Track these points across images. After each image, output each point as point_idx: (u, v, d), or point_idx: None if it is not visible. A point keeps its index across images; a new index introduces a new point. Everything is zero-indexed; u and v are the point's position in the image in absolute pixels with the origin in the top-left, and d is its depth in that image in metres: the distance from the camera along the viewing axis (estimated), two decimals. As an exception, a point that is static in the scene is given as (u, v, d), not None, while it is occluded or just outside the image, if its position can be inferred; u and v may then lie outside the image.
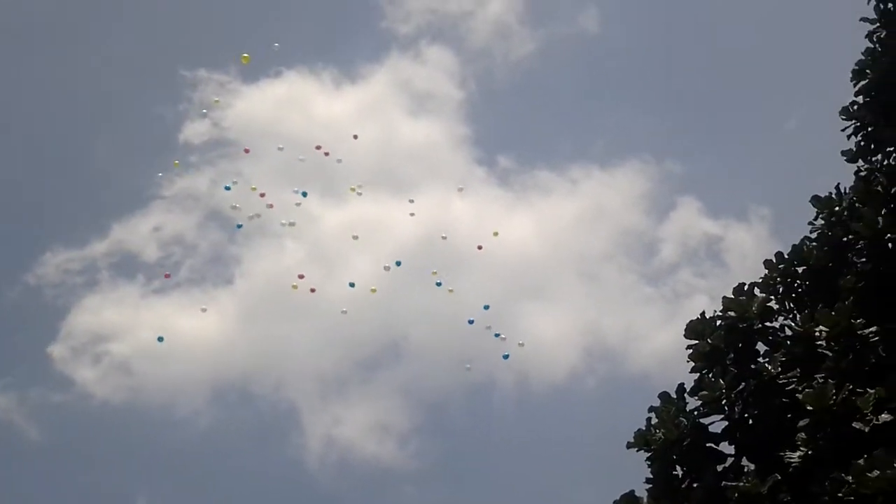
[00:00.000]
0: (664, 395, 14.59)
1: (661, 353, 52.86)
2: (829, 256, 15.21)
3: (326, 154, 38.33)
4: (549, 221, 61.39)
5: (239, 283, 55.37)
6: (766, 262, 15.56)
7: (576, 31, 68.26)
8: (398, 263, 38.19)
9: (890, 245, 14.61)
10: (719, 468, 13.92)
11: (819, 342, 13.73)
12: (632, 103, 68.80)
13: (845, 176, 16.05)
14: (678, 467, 14.29)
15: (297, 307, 46.78)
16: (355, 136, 41.58)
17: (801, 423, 13.03)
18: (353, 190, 39.54)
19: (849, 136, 16.28)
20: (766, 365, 13.97)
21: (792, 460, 12.92)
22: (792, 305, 15.35)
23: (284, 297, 46.04)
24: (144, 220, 57.19)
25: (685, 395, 14.54)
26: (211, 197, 50.93)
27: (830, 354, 13.55)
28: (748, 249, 58.67)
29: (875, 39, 16.21)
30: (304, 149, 40.55)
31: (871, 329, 13.56)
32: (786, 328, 14.66)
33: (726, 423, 14.15)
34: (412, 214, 40.42)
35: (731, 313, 14.71)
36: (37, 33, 63.59)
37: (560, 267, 59.43)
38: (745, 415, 14.04)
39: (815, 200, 15.70)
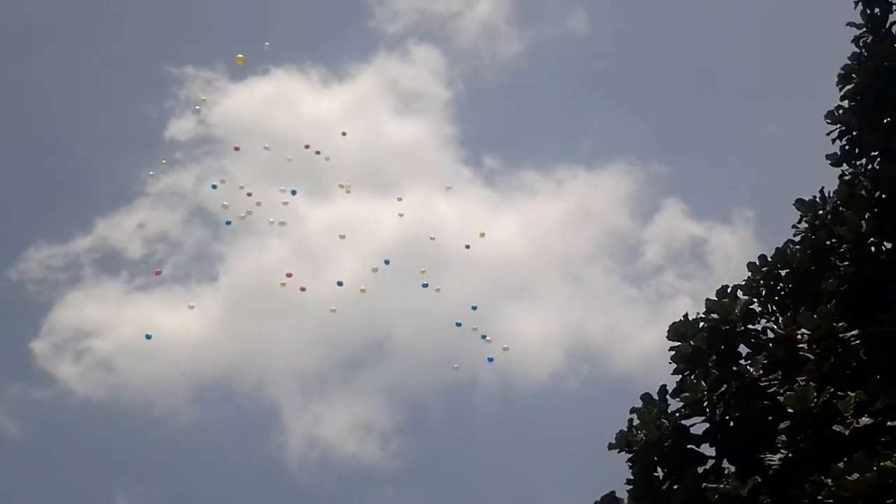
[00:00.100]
0: (646, 397, 14.62)
1: (644, 355, 52.90)
2: (811, 260, 15.25)
3: (317, 153, 38.27)
4: (534, 222, 61.44)
5: (223, 280, 55.25)
6: (750, 265, 15.60)
7: (563, 33, 68.26)
8: (387, 262, 38.15)
9: (873, 249, 14.66)
10: (700, 470, 13.96)
11: (801, 345, 13.76)
12: (618, 105, 68.97)
13: (830, 180, 16.13)
14: (659, 468, 14.33)
15: (281, 305, 46.71)
16: (343, 133, 41.60)
17: (782, 426, 13.06)
18: (341, 187, 39.49)
19: (833, 140, 16.33)
20: (748, 367, 14.00)
21: (772, 462, 12.95)
22: (774, 308, 15.40)
23: (268, 295, 46.02)
24: (129, 217, 57.02)
25: (667, 396, 14.58)
26: (196, 194, 50.90)
27: (812, 357, 13.58)
28: (732, 252, 58.79)
29: (861, 44, 16.25)
30: (291, 147, 40.49)
31: (852, 332, 13.59)
32: (768, 331, 14.71)
33: (707, 424, 14.18)
34: (401, 215, 40.40)
35: (714, 315, 14.75)
36: (23, 30, 63.40)
37: (544, 267, 59.46)
38: (727, 417, 14.08)
39: (799, 204, 15.74)
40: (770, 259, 15.53)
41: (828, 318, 13.62)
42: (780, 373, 13.76)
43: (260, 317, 51.73)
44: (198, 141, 50.46)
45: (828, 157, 16.32)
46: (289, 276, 37.21)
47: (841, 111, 16.24)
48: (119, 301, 55.81)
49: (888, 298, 13.78)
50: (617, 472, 14.57)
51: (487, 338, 36.69)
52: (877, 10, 16.27)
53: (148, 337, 39.09)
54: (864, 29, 16.28)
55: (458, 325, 36.76)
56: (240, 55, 37.79)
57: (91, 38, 66.11)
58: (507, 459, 52.07)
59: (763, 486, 12.94)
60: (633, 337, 58.72)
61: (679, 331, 14.85)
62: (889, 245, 14.66)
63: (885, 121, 15.79)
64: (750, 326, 14.84)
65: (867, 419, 12.56)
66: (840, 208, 15.33)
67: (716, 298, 14.86)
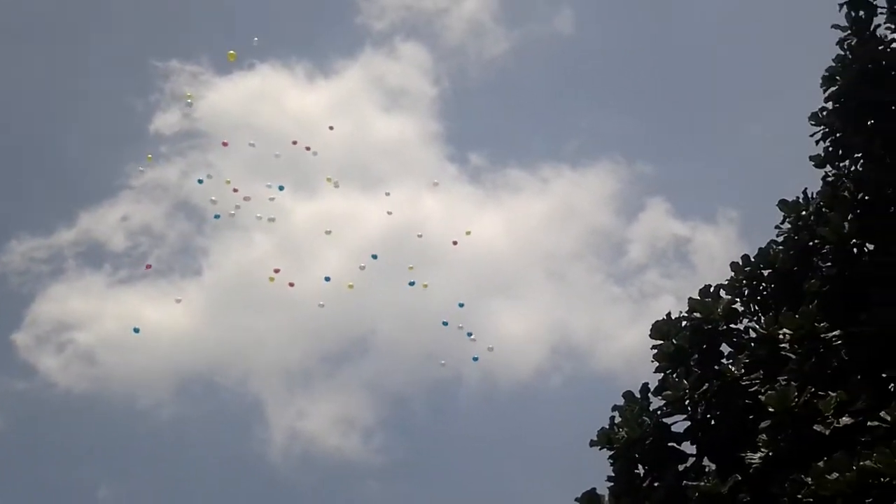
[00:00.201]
0: (628, 395, 14.69)
1: (627, 353, 53.07)
2: (794, 260, 15.34)
3: (307, 148, 38.22)
4: (519, 220, 61.51)
5: (207, 274, 55.17)
6: (733, 265, 15.69)
7: (550, 32, 68.29)
8: (374, 257, 38.14)
9: (855, 250, 14.76)
10: (681, 468, 14.02)
11: (782, 345, 13.84)
12: (604, 104, 69.09)
13: (813, 181, 16.22)
14: (640, 466, 14.39)
15: (265, 300, 46.62)
16: (331, 127, 41.58)
17: (763, 425, 13.13)
18: (329, 180, 39.47)
19: (817, 142, 16.40)
20: (730, 366, 14.07)
21: (753, 461, 13.02)
22: (757, 308, 15.48)
23: (252, 290, 46.00)
24: (112, 210, 56.94)
25: (649, 394, 14.64)
26: (180, 188, 50.82)
27: (793, 357, 13.67)
28: (716, 251, 58.96)
29: (846, 47, 16.31)
30: (277, 142, 40.46)
31: (834, 333, 13.69)
32: (750, 330, 14.79)
33: (689, 423, 14.25)
34: (389, 213, 40.42)
35: (697, 314, 14.83)
36: (7, 22, 63.22)
37: (529, 265, 59.53)
38: (708, 415, 14.14)
39: (783, 204, 15.82)
40: (753, 259, 15.62)
41: (809, 319, 13.70)
42: (761, 372, 13.85)
43: (244, 311, 51.71)
44: (183, 135, 50.39)
45: (811, 158, 16.41)
46: (276, 271, 37.20)
47: (825, 113, 16.31)
48: (102, 294, 55.82)
49: (870, 299, 13.87)
50: (598, 469, 14.66)
51: (472, 336, 36.71)
52: (861, 13, 16.34)
53: (136, 331, 39.04)
54: (849, 31, 16.34)
55: (445, 324, 36.78)
56: (231, 51, 37.72)
57: (77, 31, 66.00)
58: (489, 456, 52.24)
59: (743, 485, 13.01)
60: (617, 335, 58.92)
61: (662, 329, 14.92)
62: (871, 246, 14.75)
63: (868, 123, 15.88)
64: (732, 326, 14.93)
65: (847, 419, 12.64)
66: (823, 209, 15.43)
67: (699, 298, 14.95)
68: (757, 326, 14.47)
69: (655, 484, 14.06)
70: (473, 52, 66.55)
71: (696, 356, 14.66)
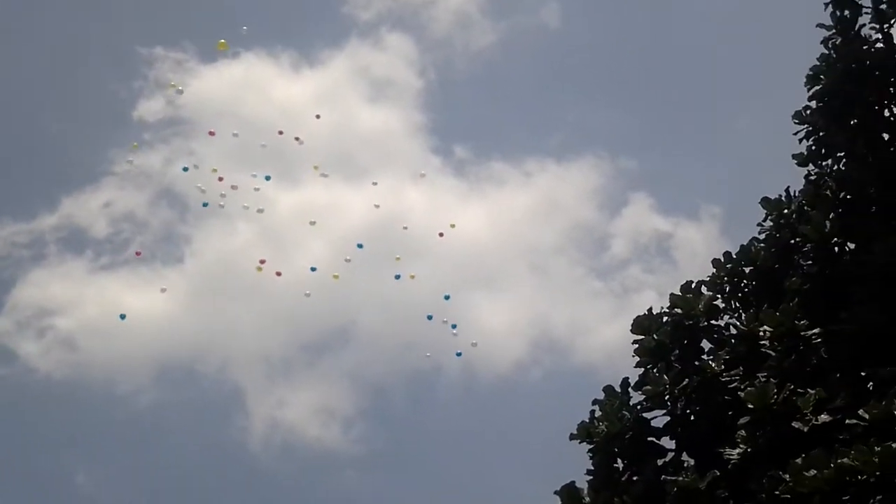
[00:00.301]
0: (608, 389, 14.73)
1: (608, 347, 53.21)
2: (775, 258, 15.41)
3: (297, 139, 38.12)
4: (502, 213, 61.56)
5: (189, 262, 55.09)
6: (714, 261, 15.74)
7: (537, 25, 68.34)
8: (360, 246, 38.09)
9: (836, 249, 14.83)
10: (660, 462, 14.07)
11: (762, 342, 13.90)
12: (589, 99, 69.20)
13: (796, 179, 16.29)
14: (619, 460, 14.44)
15: (247, 288, 46.55)
16: (318, 116, 41.53)
17: (742, 421, 13.18)
18: (316, 168, 39.41)
19: (800, 140, 16.46)
20: (710, 362, 14.12)
21: (731, 457, 13.08)
22: (737, 305, 15.55)
23: (234, 278, 45.97)
24: (95, 196, 56.79)
25: (629, 389, 14.69)
26: (164, 175, 50.67)
27: (773, 354, 13.73)
28: (698, 247, 59.15)
29: (830, 46, 16.37)
30: (261, 131, 40.41)
31: (814, 331, 13.76)
32: (731, 327, 14.84)
33: (668, 418, 14.30)
34: (377, 206, 40.41)
35: (678, 310, 14.87)
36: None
37: (511, 258, 59.61)
38: (688, 411, 14.19)
39: (765, 202, 15.88)
40: (735, 256, 15.68)
41: (790, 316, 13.77)
42: (741, 369, 13.90)
43: (225, 299, 51.65)
44: (166, 122, 50.26)
45: (794, 156, 16.47)
46: (262, 262, 37.15)
47: (808, 111, 16.37)
48: (83, 280, 55.71)
49: (850, 298, 13.95)
50: (578, 463, 14.70)
51: (455, 332, 36.67)
52: (846, 12, 16.40)
53: (122, 317, 38.98)
54: (834, 31, 16.41)
55: (430, 317, 36.74)
56: (222, 41, 37.58)
57: (61, 16, 65.66)
58: (468, 447, 52.32)
59: (721, 480, 13.07)
60: (598, 329, 59.13)
61: (643, 324, 14.97)
62: (852, 245, 14.83)
63: (851, 122, 15.96)
64: (713, 322, 14.98)
65: (826, 416, 12.70)
66: (805, 208, 15.50)
67: (680, 293, 14.99)
68: (737, 323, 14.53)
69: (634, 478, 14.10)
70: (460, 44, 66.66)
71: (677, 352, 14.71)
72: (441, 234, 40.16)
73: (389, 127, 60.60)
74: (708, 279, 15.54)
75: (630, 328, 15.07)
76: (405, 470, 52.70)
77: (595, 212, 64.44)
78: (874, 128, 15.83)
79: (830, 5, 16.52)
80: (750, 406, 13.06)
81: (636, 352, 14.91)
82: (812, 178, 16.16)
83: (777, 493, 12.15)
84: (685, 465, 13.77)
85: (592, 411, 14.69)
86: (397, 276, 37.23)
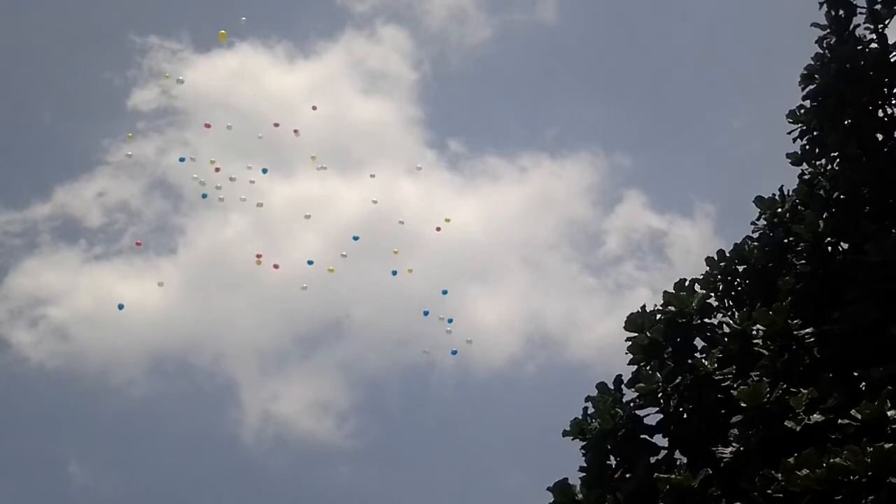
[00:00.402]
0: (601, 386, 14.76)
1: (601, 344, 53.29)
2: (769, 257, 15.46)
3: (295, 131, 38.08)
4: (496, 207, 61.59)
5: (182, 253, 55.01)
6: (708, 260, 15.80)
7: (532, 20, 68.43)
8: (356, 238, 38.05)
9: (829, 249, 14.88)
10: (652, 460, 14.12)
11: (755, 341, 13.94)
12: (584, 95, 69.18)
13: (790, 178, 16.34)
14: (612, 457, 14.48)
15: (241, 280, 46.64)
16: (314, 108, 41.46)
17: (734, 420, 13.23)
18: (314, 159, 39.36)
19: (794, 140, 16.51)
20: (703, 360, 14.15)
21: (723, 455, 13.13)
22: (731, 303, 15.61)
23: (228, 270, 45.99)
24: (89, 185, 56.71)
25: (622, 386, 14.73)
26: (157, 165, 50.64)
27: (766, 353, 13.76)
28: (692, 245, 59.21)
29: (825, 45, 16.42)
30: (255, 122, 40.36)
31: (806, 330, 13.81)
32: (724, 325, 14.87)
33: (661, 415, 14.35)
34: (375, 202, 40.39)
35: (671, 308, 14.91)
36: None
37: (505, 254, 59.65)
38: (680, 408, 14.24)
39: (759, 201, 15.94)
40: (728, 254, 15.74)
41: (783, 315, 13.81)
42: (734, 367, 13.94)
43: (219, 291, 51.73)
44: (161, 111, 50.25)
45: (788, 155, 16.52)
46: (258, 257, 37.14)
47: (803, 111, 16.43)
48: (76, 269, 55.63)
49: (843, 298, 14.00)
50: (570, 460, 14.75)
51: (449, 330, 36.60)
52: (841, 12, 16.45)
53: (120, 307, 39.03)
54: (828, 30, 16.45)
55: (426, 313, 36.70)
56: (222, 31, 37.52)
57: (55, 3, 65.60)
58: (462, 443, 52.41)
59: (713, 479, 13.12)
60: (591, 326, 59.14)
61: (636, 322, 15.01)
62: (846, 245, 14.88)
63: (845, 122, 16.00)
64: (706, 320, 15.04)
65: (818, 416, 12.75)
66: (799, 207, 15.56)
67: (673, 291, 15.03)
68: (730, 322, 14.55)
69: (626, 475, 14.15)
70: (454, 38, 66.58)
71: (670, 349, 14.75)
72: (438, 229, 40.12)
73: (384, 120, 60.59)
74: (701, 277, 15.59)
75: (623, 325, 15.11)
76: (398, 464, 52.81)
77: (589, 208, 64.59)
78: (868, 128, 15.88)
79: (825, 5, 16.57)
80: (742, 405, 13.11)
81: (629, 349, 14.95)
82: (806, 177, 16.21)
83: (769, 492, 12.20)
84: (678, 463, 13.81)
85: (585, 408, 14.74)
86: (394, 273, 37.19)
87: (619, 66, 67.33)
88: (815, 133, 16.32)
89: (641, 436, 14.42)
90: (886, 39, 16.24)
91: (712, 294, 15.48)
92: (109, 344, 52.02)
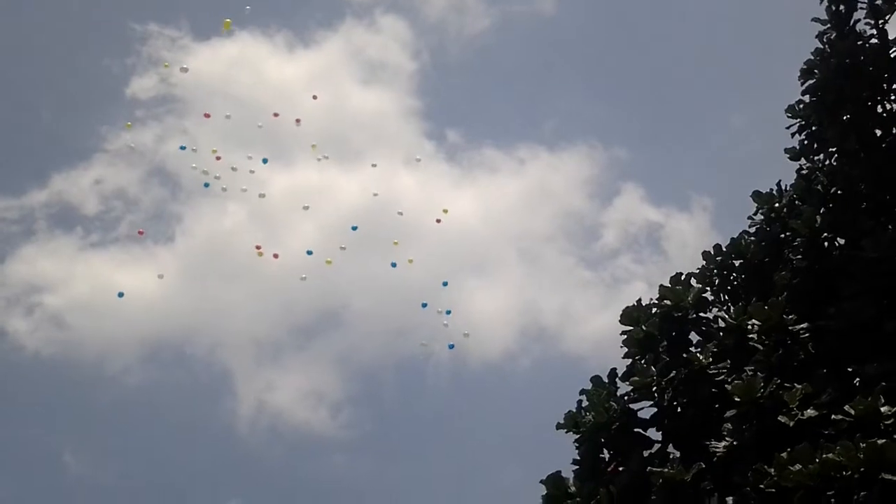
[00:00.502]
0: (596, 379, 14.76)
1: (597, 337, 53.30)
2: (765, 251, 15.43)
3: (297, 121, 37.96)
4: (493, 199, 61.58)
5: (180, 241, 54.96)
6: (704, 254, 15.77)
7: (531, 11, 68.32)
8: (354, 228, 37.98)
9: (826, 244, 14.84)
10: (645, 454, 14.10)
11: (750, 335, 13.92)
12: (583, 88, 69.20)
13: (788, 173, 16.31)
14: (605, 450, 14.48)
15: (238, 270, 46.57)
16: (315, 97, 41.38)
17: (728, 414, 13.22)
18: (314, 147, 39.27)
19: (793, 135, 16.47)
20: (698, 354, 14.15)
21: (717, 450, 13.12)
22: (726, 297, 15.58)
23: (225, 259, 45.92)
24: (86, 173, 56.70)
25: (617, 379, 14.72)
26: (155, 153, 50.56)
27: (761, 348, 13.75)
28: (688, 239, 59.24)
29: (825, 40, 16.37)
30: (254, 110, 40.26)
31: (801, 325, 13.79)
32: (719, 319, 14.87)
33: (655, 409, 14.34)
34: (376, 194, 40.32)
35: (667, 302, 14.90)
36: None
37: (501, 245, 59.70)
38: (675, 402, 14.23)
39: (756, 196, 15.90)
40: (725, 249, 15.72)
41: (778, 310, 13.79)
42: (728, 362, 13.93)
43: (216, 280, 51.72)
44: (159, 99, 50.18)
45: (786, 150, 16.48)
46: (258, 248, 37.08)
47: (802, 106, 16.38)
48: (73, 257, 55.60)
49: (838, 294, 13.98)
50: (564, 452, 14.74)
51: (446, 322, 36.50)
52: (842, 7, 16.40)
53: (120, 295, 38.98)
54: (829, 25, 16.40)
55: (424, 305, 36.65)
56: (228, 20, 37.40)
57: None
58: (456, 434, 52.46)
59: (706, 473, 13.12)
60: (587, 319, 59.15)
61: (632, 315, 14.99)
62: (842, 241, 14.84)
63: (844, 118, 15.96)
64: (701, 314, 15.03)
65: (812, 411, 12.73)
66: (796, 202, 15.53)
67: (669, 285, 15.01)
68: (726, 316, 14.53)
69: (620, 469, 14.14)
70: (454, 29, 66.51)
71: (665, 343, 14.74)
72: (439, 221, 40.04)
73: (382, 110, 60.57)
74: (697, 271, 15.57)
75: (619, 319, 15.08)
76: (392, 455, 52.84)
77: (586, 201, 64.58)
78: (866, 124, 15.84)
79: (826, 0, 16.51)
80: (736, 399, 13.10)
81: (624, 342, 14.94)
82: (804, 172, 16.18)
83: (762, 486, 12.18)
84: (671, 456, 13.81)
85: (580, 401, 14.73)
86: (393, 265, 37.09)
87: (618, 59, 67.36)
88: (813, 128, 16.28)
89: (635, 429, 14.42)
90: (887, 35, 16.20)
91: (708, 288, 15.46)
92: (106, 332, 52.07)
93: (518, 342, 56.33)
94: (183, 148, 38.00)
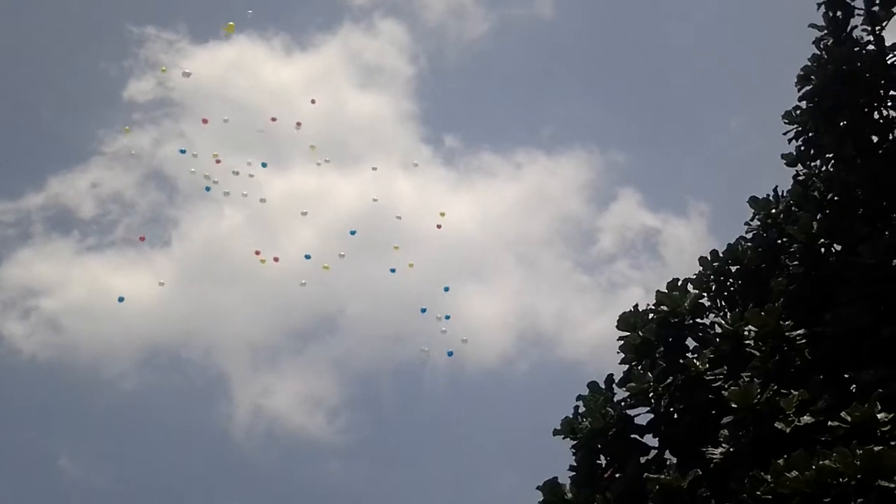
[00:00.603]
0: (593, 385, 14.73)
1: (594, 342, 53.26)
2: (762, 257, 15.44)
3: (298, 124, 37.96)
4: (491, 204, 61.56)
5: (176, 245, 54.88)
6: (701, 259, 15.77)
7: (530, 15, 68.26)
8: (353, 232, 37.96)
9: (822, 250, 14.85)
10: (642, 460, 14.09)
11: (747, 341, 13.91)
12: (581, 92, 69.12)
13: (784, 179, 16.31)
14: (602, 457, 14.46)
15: (234, 274, 46.56)
16: (313, 101, 41.38)
17: (725, 420, 13.21)
18: (312, 149, 39.26)
19: (790, 140, 16.48)
20: (695, 360, 14.14)
21: (713, 456, 13.11)
22: (723, 303, 15.58)
23: (222, 263, 45.88)
24: (83, 176, 56.58)
25: (613, 385, 14.70)
26: (152, 157, 50.52)
27: (758, 354, 13.74)
28: (685, 244, 59.20)
29: (822, 46, 16.39)
30: (251, 114, 40.27)
31: (798, 332, 13.78)
32: (716, 325, 14.87)
33: (652, 415, 14.32)
34: (376, 200, 40.30)
35: (664, 307, 14.89)
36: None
37: (499, 250, 59.66)
38: (671, 408, 14.22)
39: (753, 201, 15.90)
40: (721, 255, 15.72)
41: (775, 316, 13.78)
42: (725, 368, 13.92)
43: (212, 284, 51.64)
44: (157, 103, 50.12)
45: (783, 156, 16.49)
46: (257, 253, 37.07)
47: (798, 112, 16.40)
48: (69, 260, 55.50)
49: (835, 300, 13.97)
50: (561, 458, 14.73)
51: (444, 329, 36.45)
52: (839, 13, 16.41)
53: (120, 300, 38.95)
54: (826, 31, 16.42)
55: (423, 311, 36.59)
56: (231, 23, 37.38)
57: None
58: (453, 440, 52.37)
59: (703, 479, 13.10)
60: (584, 324, 59.06)
61: (628, 321, 14.98)
62: (839, 247, 14.85)
63: (841, 124, 15.97)
64: (698, 320, 15.02)
65: (808, 418, 12.73)
66: (793, 208, 15.53)
67: (666, 291, 15.00)
68: (723, 322, 14.53)
69: (617, 475, 14.12)
70: (452, 33, 66.48)
71: (662, 349, 14.73)
72: (439, 227, 40.00)
73: (380, 114, 60.51)
74: (694, 277, 15.57)
75: (616, 324, 15.07)
76: (389, 460, 52.77)
77: (583, 206, 64.66)
78: (863, 130, 15.85)
79: (823, 6, 16.53)
80: (733, 405, 13.09)
81: (621, 348, 14.92)
82: (800, 178, 16.19)
83: (758, 493, 12.17)
84: (667, 463, 13.79)
85: (576, 407, 14.71)
86: (392, 270, 37.05)
87: (616, 64, 67.36)
88: (810, 134, 16.30)
89: (632, 435, 14.40)
90: (883, 41, 16.22)
91: (705, 294, 15.46)
92: (102, 336, 52.01)
93: (515, 346, 56.30)
94: (183, 152, 38.04)
